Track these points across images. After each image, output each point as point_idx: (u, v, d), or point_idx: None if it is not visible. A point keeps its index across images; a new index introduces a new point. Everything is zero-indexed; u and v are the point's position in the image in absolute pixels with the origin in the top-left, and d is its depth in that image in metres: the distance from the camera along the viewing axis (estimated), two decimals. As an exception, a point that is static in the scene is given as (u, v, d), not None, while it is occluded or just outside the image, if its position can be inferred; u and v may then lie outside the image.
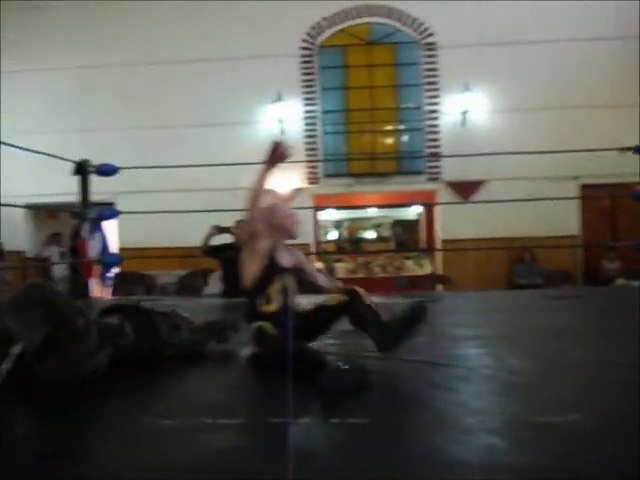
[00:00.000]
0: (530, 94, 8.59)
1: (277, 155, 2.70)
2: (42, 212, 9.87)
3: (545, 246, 7.96)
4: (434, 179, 8.82)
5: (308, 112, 8.97)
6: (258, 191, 2.69)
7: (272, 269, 2.55)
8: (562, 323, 3.47)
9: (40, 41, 9.15)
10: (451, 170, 8.60)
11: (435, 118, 8.83)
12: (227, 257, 5.30)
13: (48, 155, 4.52)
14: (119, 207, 7.93)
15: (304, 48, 8.97)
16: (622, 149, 5.20)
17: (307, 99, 8.98)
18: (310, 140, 8.93)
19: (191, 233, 8.18)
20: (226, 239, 5.54)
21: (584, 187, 8.59)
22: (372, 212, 11.88)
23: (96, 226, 4.89)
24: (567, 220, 8.52)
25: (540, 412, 1.72)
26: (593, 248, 8.74)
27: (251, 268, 2.57)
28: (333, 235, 12.28)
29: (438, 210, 9.05)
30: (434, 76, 8.81)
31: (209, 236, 5.31)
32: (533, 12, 8.58)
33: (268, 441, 1.52)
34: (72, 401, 1.88)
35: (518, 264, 8.65)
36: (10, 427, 1.70)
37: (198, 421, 1.64)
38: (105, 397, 1.93)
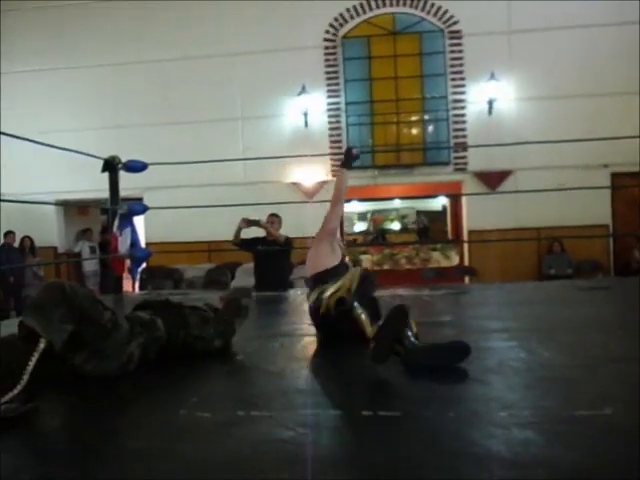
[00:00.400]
0: (557, 81, 8.43)
1: (352, 158, 3.14)
2: (73, 208, 10.07)
3: (573, 236, 7.83)
4: (460, 169, 8.74)
5: (332, 104, 8.96)
6: (341, 192, 3.02)
7: (343, 267, 2.74)
8: (594, 315, 3.42)
9: (63, 40, 9.30)
10: (477, 160, 8.51)
11: (461, 108, 8.74)
12: (260, 251, 5.41)
13: (77, 152, 4.61)
14: (147, 201, 8.07)
15: (327, 40, 8.95)
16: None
17: (331, 91, 8.97)
18: (334, 132, 8.92)
19: (217, 227, 8.32)
20: (256, 232, 5.58)
21: (615, 175, 8.42)
22: (398, 203, 11.85)
23: (126, 221, 4.96)
24: (597, 209, 8.36)
25: (574, 406, 1.70)
26: (624, 238, 8.57)
27: (323, 261, 2.73)
28: (359, 227, 12.27)
29: (464, 201, 8.96)
30: (459, 65, 8.72)
31: (239, 229, 5.36)
32: (561, -3, 8.40)
33: (300, 433, 1.53)
34: (108, 395, 1.92)
35: (547, 255, 8.53)
36: (45, 422, 1.75)
37: (232, 414, 1.67)
38: (139, 391, 1.97)
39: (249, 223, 5.30)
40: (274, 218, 5.50)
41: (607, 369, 2.14)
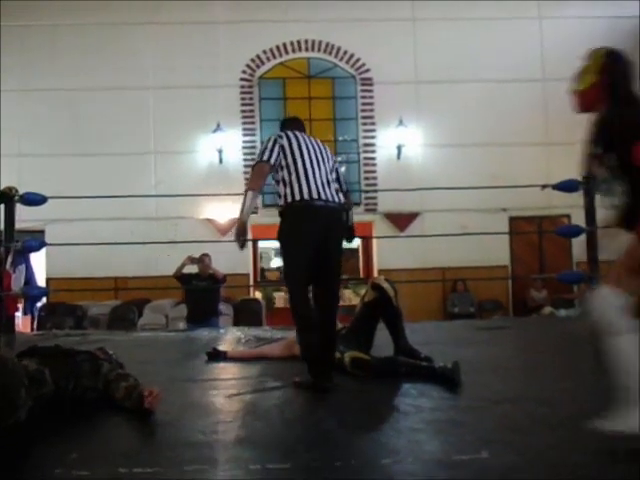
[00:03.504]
0: (461, 130, 8.95)
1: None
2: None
3: (475, 278, 8.21)
4: (371, 210, 9.00)
5: (247, 142, 9.01)
6: None
7: None
8: (488, 356, 3.59)
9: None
10: (387, 202, 8.81)
11: (371, 151, 9.05)
12: (194, 286, 6.11)
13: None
14: (49, 235, 7.67)
15: (244, 79, 9.05)
16: (543, 186, 5.52)
17: (246, 129, 9.03)
18: (249, 170, 8.94)
19: (125, 262, 8.05)
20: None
21: (512, 219, 8.99)
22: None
23: (21, 258, 4.69)
24: (497, 251, 8.83)
25: (455, 450, 1.77)
26: (521, 278, 9.11)
27: None
28: (275, 263, 12.25)
29: (375, 240, 9.21)
30: (370, 110, 9.06)
31: (183, 265, 5.96)
32: (465, 53, 8.99)
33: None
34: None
35: (452, 293, 8.89)
36: None
37: (113, 471, 1.60)
38: (16, 446, 1.85)
39: (193, 261, 5.95)
40: (207, 257, 6.10)
41: (490, 411, 2.25)
